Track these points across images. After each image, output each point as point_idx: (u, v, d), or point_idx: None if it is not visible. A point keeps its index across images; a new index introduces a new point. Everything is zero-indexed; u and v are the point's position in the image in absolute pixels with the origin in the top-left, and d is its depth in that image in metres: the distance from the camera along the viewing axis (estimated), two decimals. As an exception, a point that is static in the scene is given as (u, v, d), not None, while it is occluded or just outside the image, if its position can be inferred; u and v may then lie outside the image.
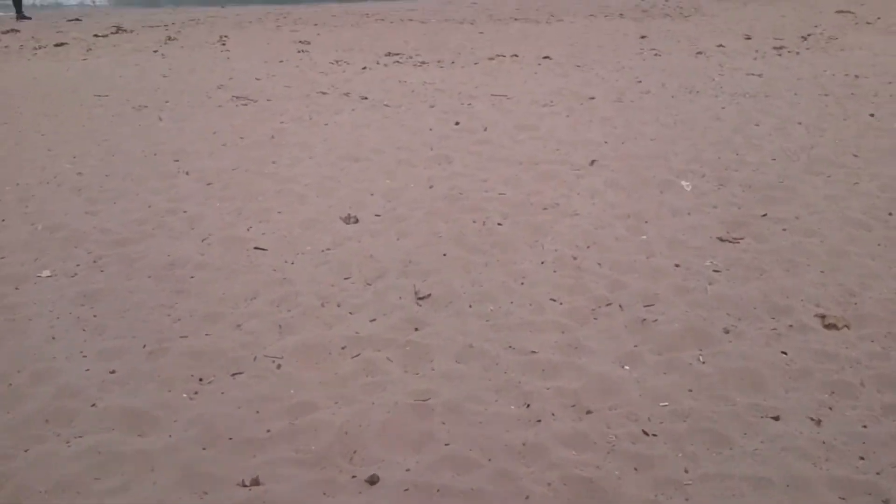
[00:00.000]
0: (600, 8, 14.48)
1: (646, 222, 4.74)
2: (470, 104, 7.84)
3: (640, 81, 8.97)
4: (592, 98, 8.11)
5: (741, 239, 4.46)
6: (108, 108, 7.67)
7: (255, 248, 4.41)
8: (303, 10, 14.63)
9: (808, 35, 11.86)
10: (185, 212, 4.95)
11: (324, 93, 8.41)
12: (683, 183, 5.26)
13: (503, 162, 5.91)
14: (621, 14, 13.82)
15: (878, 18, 13.32)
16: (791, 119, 7.17)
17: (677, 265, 4.15)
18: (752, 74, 9.35)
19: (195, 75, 9.21)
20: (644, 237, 4.52)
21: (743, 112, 7.53)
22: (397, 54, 10.54)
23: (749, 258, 4.22)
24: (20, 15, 14.16)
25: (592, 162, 5.84)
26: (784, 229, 4.61)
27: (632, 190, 5.26)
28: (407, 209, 4.96)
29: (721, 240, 4.46)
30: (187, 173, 5.72)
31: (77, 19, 13.66)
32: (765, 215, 4.81)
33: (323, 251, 4.38)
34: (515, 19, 13.28)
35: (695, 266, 4.13)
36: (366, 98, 8.17)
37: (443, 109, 7.66)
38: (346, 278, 4.04)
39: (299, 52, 10.68)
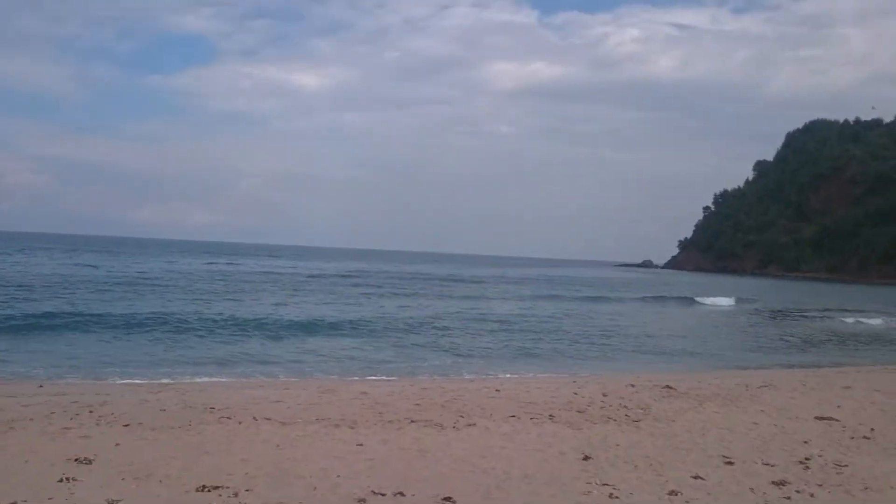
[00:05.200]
0: (523, 406, 11.25)
1: None
2: None
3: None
4: None
5: None
6: None
7: None
8: (127, 402, 10.71)
9: (807, 459, 8.67)
10: None
11: None
12: None
13: None
14: (551, 415, 10.56)
15: (873, 430, 10.47)
16: None
17: None
18: (778, 550, 5.78)
19: None
20: None
21: None
22: (217, 488, 6.66)
23: None
24: None
25: None
26: None
27: None
28: None
29: None
30: None
31: None
32: None
33: None
34: (412, 421, 9.80)
35: None
36: None
37: None
38: None
39: (62, 480, 6.68)
